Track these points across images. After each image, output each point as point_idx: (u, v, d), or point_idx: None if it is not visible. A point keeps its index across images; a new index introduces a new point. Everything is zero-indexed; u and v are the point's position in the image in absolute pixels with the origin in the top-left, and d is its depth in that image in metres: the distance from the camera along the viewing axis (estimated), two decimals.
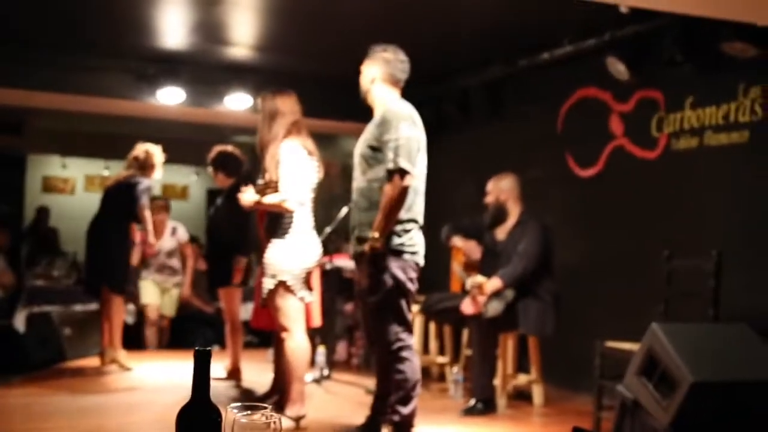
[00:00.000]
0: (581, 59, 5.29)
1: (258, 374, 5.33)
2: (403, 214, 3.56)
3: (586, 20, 4.95)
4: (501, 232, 5.01)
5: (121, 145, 5.91)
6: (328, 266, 5.79)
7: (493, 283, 4.71)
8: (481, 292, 4.71)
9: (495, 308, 4.69)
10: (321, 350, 5.50)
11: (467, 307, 4.77)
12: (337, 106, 6.45)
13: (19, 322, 5.99)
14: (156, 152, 5.77)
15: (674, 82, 4.74)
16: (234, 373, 5.35)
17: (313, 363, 5.17)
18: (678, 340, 3.25)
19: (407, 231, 3.59)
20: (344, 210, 5.12)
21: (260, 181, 4.07)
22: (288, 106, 4.14)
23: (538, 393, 4.97)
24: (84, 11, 5.27)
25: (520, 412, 4.83)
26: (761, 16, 3.66)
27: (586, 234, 5.41)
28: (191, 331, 7.05)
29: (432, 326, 5.80)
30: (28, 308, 6.08)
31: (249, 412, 1.30)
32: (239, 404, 1.32)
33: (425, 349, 5.86)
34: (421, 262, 3.67)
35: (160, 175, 5.88)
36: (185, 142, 8.49)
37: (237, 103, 6.74)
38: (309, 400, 4.27)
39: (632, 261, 4.98)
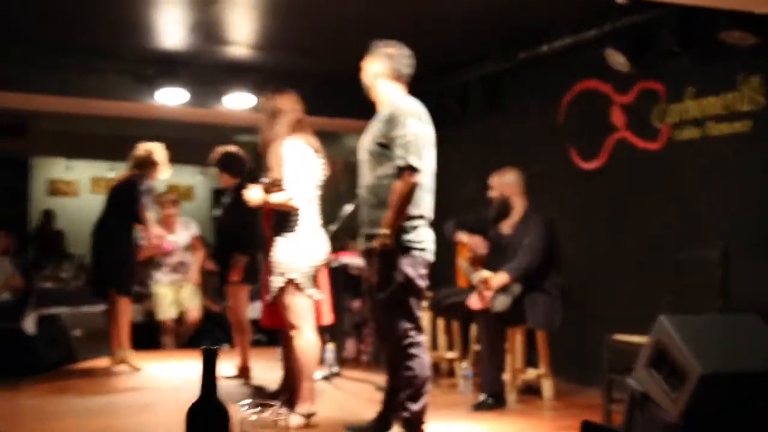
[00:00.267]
0: (581, 51, 5.28)
1: (267, 372, 5.34)
2: (411, 211, 3.56)
3: (584, 12, 4.94)
4: (506, 227, 5.01)
5: (125, 147, 5.91)
6: (334, 263, 5.80)
7: (500, 278, 4.71)
8: (488, 287, 4.71)
9: (502, 303, 4.69)
10: (330, 347, 5.51)
11: (474, 302, 4.77)
12: (337, 103, 6.45)
13: (29, 324, 6.01)
14: (157, 150, 5.76)
15: (674, 73, 4.74)
16: (243, 372, 5.36)
17: (322, 360, 5.18)
18: (686, 332, 3.24)
19: (416, 227, 3.59)
20: (349, 207, 5.11)
21: (265, 180, 4.08)
22: (289, 104, 4.15)
23: (547, 387, 4.97)
24: (84, 14, 5.28)
25: (530, 406, 4.84)
26: (759, 4, 3.65)
27: (591, 227, 5.41)
28: (200, 331, 7.05)
29: (440, 322, 5.80)
30: (37, 310, 6.11)
31: (258, 409, 1.31)
32: (248, 402, 1.33)
33: (434, 344, 5.87)
34: (431, 258, 3.67)
35: (168, 174, 5.88)
36: (189, 142, 8.49)
37: (238, 102, 6.75)
38: (319, 398, 4.28)
39: (638, 253, 4.98)
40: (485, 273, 4.78)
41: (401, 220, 3.52)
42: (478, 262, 5.13)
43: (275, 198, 3.98)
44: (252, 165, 5.47)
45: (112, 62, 6.38)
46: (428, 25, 5.33)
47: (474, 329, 5.41)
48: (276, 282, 4.00)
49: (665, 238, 4.39)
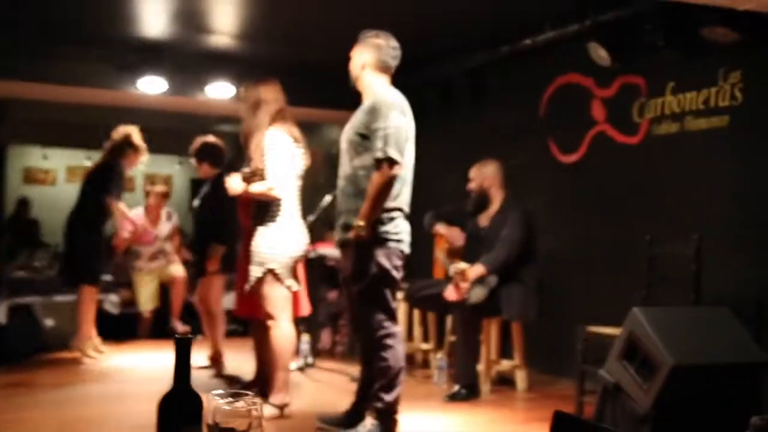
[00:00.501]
0: (563, 45, 5.29)
1: (242, 363, 5.32)
2: (389, 203, 3.55)
3: (567, 6, 4.95)
4: (484, 219, 5.03)
5: (103, 136, 5.85)
6: (311, 254, 5.79)
7: (476, 270, 4.72)
8: (464, 279, 4.72)
9: (478, 294, 4.71)
10: (305, 338, 5.50)
11: (450, 293, 4.79)
12: (319, 94, 6.43)
13: (1, 313, 5.94)
14: (133, 132, 5.67)
15: (655, 68, 4.76)
16: (216, 361, 5.34)
17: (297, 351, 5.17)
18: (659, 324, 3.28)
19: (392, 219, 3.58)
20: (327, 198, 5.11)
21: (246, 170, 4.06)
22: (271, 94, 4.13)
23: (521, 378, 5.01)
24: (64, 0, 5.21)
25: (504, 397, 4.87)
26: (741, 0, 3.67)
27: (569, 219, 5.44)
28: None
29: (416, 313, 5.82)
30: (9, 300, 6.03)
31: (231, 399, 1.30)
32: (221, 392, 1.32)
33: (409, 335, 5.88)
34: (407, 250, 3.67)
35: (145, 158, 5.80)
36: (168, 131, 8.43)
37: (219, 91, 6.70)
38: (293, 389, 4.27)
39: (614, 246, 5.02)
40: (462, 264, 4.80)
41: (377, 212, 3.52)
42: (455, 253, 5.16)
43: (256, 188, 3.97)
44: (232, 155, 5.44)
45: (93, 49, 6.29)
46: (411, 18, 5.32)
47: (449, 320, 5.43)
48: (255, 272, 3.98)
49: (641, 231, 4.43)
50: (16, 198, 10.41)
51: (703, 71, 4.47)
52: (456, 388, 4.72)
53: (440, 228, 5.24)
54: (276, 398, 4.00)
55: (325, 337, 6.44)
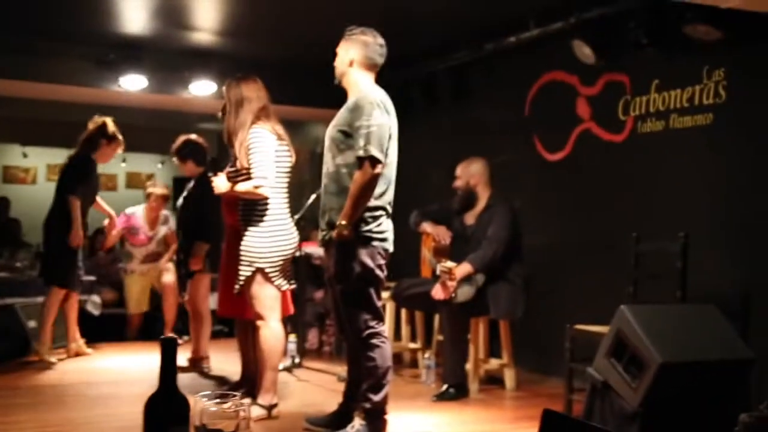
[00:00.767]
0: (547, 43, 5.29)
1: (228, 364, 5.28)
2: (373, 202, 3.52)
3: (552, 3, 4.95)
4: (470, 217, 5.02)
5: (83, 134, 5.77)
6: (297, 253, 5.74)
7: (463, 268, 4.71)
8: (451, 278, 4.71)
9: (465, 293, 4.70)
10: (292, 338, 5.47)
11: (437, 292, 4.77)
12: (302, 92, 6.40)
13: None
14: (108, 122, 5.52)
15: (640, 66, 4.78)
16: (199, 362, 5.29)
17: (284, 351, 5.14)
18: (646, 322, 3.28)
19: (376, 218, 3.55)
20: (312, 197, 5.08)
21: (230, 168, 4.02)
22: (254, 92, 4.09)
23: (509, 377, 5.01)
24: None
25: (492, 396, 4.86)
26: None
27: (555, 217, 5.45)
28: (161, 321, 6.94)
29: (403, 312, 5.80)
30: None
31: (219, 400, 1.28)
32: (208, 393, 1.30)
33: (397, 335, 5.87)
34: (390, 248, 3.65)
35: (120, 149, 5.64)
36: (150, 130, 8.36)
37: (201, 89, 6.65)
38: (281, 389, 4.24)
39: (600, 244, 5.02)
40: (449, 263, 4.78)
41: (360, 211, 3.48)
42: (442, 252, 5.14)
43: (242, 186, 3.92)
44: (214, 153, 5.39)
45: (73, 46, 6.22)
46: (396, 15, 5.30)
47: (437, 319, 5.42)
48: (244, 271, 3.95)
49: (627, 229, 4.44)
50: None
51: (687, 69, 4.49)
52: (444, 387, 4.70)
53: (427, 226, 5.22)
54: (264, 399, 3.97)
55: (312, 337, 6.41)
